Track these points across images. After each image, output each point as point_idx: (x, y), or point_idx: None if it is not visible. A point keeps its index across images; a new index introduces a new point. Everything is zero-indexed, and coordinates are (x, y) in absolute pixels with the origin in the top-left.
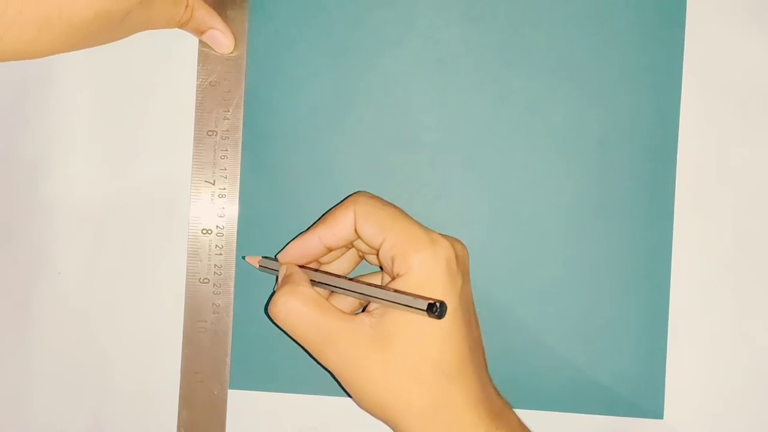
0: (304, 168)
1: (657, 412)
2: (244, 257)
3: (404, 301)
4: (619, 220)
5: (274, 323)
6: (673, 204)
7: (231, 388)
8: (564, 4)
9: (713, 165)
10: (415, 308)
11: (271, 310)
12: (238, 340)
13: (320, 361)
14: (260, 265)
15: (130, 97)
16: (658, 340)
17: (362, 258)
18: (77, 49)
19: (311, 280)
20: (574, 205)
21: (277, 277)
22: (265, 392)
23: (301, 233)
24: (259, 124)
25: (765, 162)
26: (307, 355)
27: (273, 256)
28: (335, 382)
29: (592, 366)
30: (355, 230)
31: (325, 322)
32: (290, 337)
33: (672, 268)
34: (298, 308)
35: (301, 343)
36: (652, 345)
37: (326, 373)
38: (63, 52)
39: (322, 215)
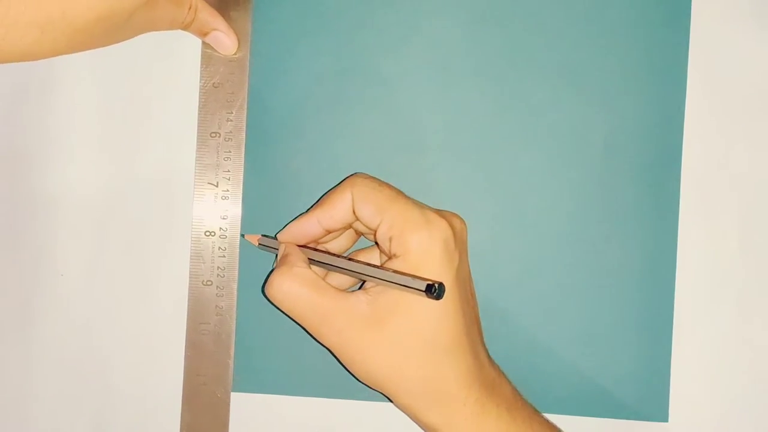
0: (307, 170)
1: (662, 416)
2: (243, 235)
3: (403, 281)
4: (624, 224)
5: (271, 302)
6: (678, 207)
7: (234, 390)
8: (568, 7)
9: (718, 168)
10: (414, 289)
11: (268, 290)
12: (242, 342)
13: (317, 339)
14: (260, 243)
15: (133, 99)
16: (662, 343)
17: (360, 235)
18: (80, 51)
19: (309, 259)
20: (578, 208)
21: (276, 256)
22: (269, 395)
23: (300, 214)
24: (262, 125)
25: None
26: (310, 358)
27: (273, 236)
28: (338, 385)
29: (596, 369)
30: (353, 212)
31: (321, 302)
32: (287, 315)
33: (677, 271)
34: (294, 289)
35: (298, 323)
36: (657, 348)
37: (330, 375)
38: (66, 53)
39: (320, 197)
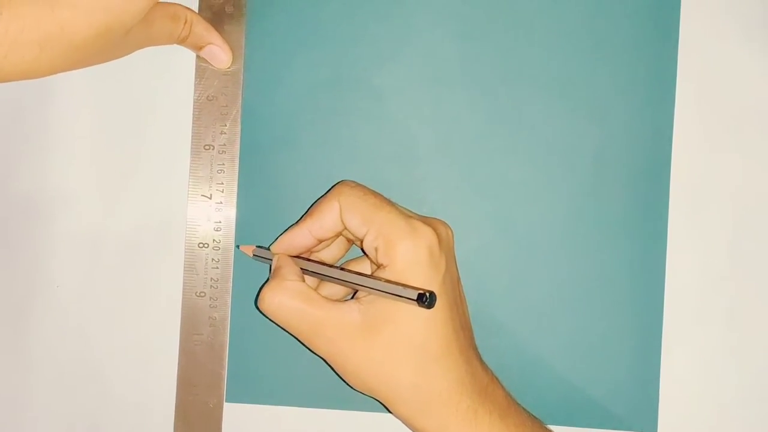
0: (300, 182)
1: (650, 426)
2: (238, 246)
3: (394, 290)
4: (614, 235)
5: (264, 314)
6: (667, 219)
7: (227, 401)
8: (559, 21)
9: (707, 179)
10: (406, 298)
11: (260, 304)
12: (235, 352)
13: (311, 350)
14: (254, 254)
15: (127, 112)
16: (651, 354)
17: (352, 244)
18: (78, 68)
19: (302, 270)
20: (568, 220)
21: (270, 267)
22: (261, 405)
23: (291, 225)
24: (256, 138)
25: (758, 175)
26: (303, 368)
27: (267, 247)
28: (332, 395)
29: (586, 379)
30: (342, 220)
31: (313, 313)
32: (281, 327)
33: (666, 283)
34: (285, 302)
35: (292, 334)
36: (646, 359)
37: (323, 385)
38: (64, 71)
39: (310, 207)
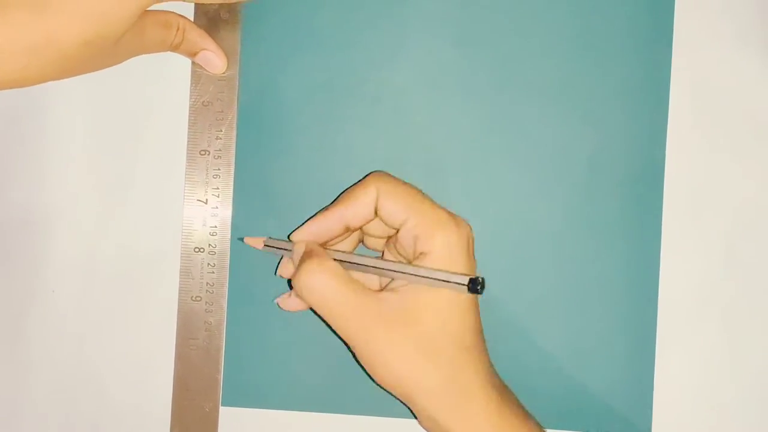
0: (296, 187)
1: (645, 430)
2: (241, 239)
3: (443, 276)
4: (608, 239)
5: (298, 294)
6: (661, 222)
7: (223, 405)
8: (553, 25)
9: (701, 181)
10: (455, 283)
11: (298, 282)
12: (231, 356)
13: (341, 335)
14: (265, 245)
15: (123, 118)
16: (646, 357)
17: (361, 241)
18: (70, 76)
19: (333, 259)
20: (563, 225)
21: (279, 261)
22: (257, 409)
23: (318, 212)
24: (251, 143)
25: (752, 179)
26: (299, 372)
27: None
28: (328, 399)
29: (580, 383)
30: (375, 209)
31: (353, 298)
32: (313, 309)
33: (660, 286)
34: (326, 282)
35: (325, 317)
36: (640, 362)
37: (319, 389)
38: (54, 79)
39: (339, 195)
